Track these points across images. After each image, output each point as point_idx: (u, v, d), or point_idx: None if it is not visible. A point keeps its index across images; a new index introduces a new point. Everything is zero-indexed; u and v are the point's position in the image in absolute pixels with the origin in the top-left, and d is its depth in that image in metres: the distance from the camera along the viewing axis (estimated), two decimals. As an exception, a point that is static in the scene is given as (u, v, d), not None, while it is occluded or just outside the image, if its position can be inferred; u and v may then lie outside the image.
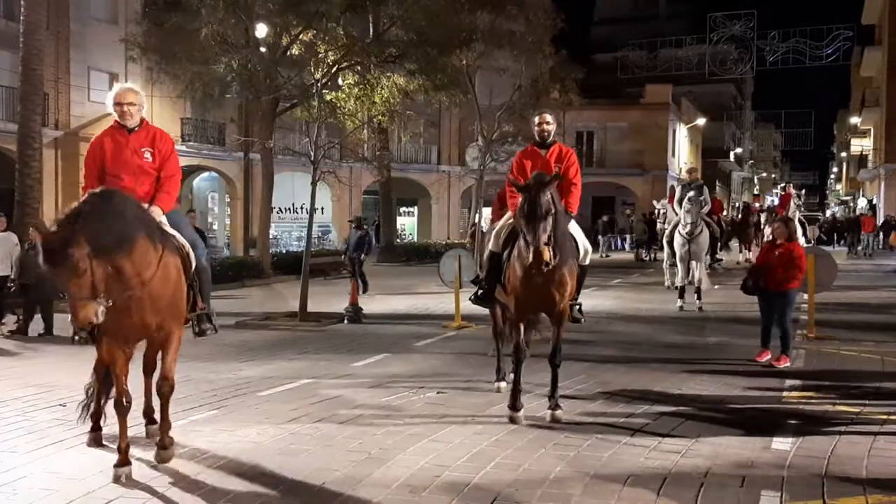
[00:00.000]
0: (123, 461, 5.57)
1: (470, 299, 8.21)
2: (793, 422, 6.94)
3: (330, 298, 16.75)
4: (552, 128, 7.54)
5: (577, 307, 7.45)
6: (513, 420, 6.97)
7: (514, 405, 7.07)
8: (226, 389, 8.42)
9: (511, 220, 7.22)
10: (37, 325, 12.84)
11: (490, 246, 7.62)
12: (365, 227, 18.77)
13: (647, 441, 6.38)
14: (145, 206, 5.85)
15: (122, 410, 5.66)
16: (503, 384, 8.21)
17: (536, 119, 7.59)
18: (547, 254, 6.37)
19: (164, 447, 5.90)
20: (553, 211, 6.50)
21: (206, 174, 34.78)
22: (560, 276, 6.84)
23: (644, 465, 5.77)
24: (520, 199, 6.62)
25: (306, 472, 5.65)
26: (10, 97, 23.15)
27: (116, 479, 5.45)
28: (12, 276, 12.86)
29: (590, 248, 7.66)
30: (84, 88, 27.89)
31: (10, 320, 13.19)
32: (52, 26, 24.39)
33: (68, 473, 5.70)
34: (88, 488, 5.35)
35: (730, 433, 6.60)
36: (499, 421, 7.02)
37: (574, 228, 7.31)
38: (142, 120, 6.18)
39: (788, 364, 9.44)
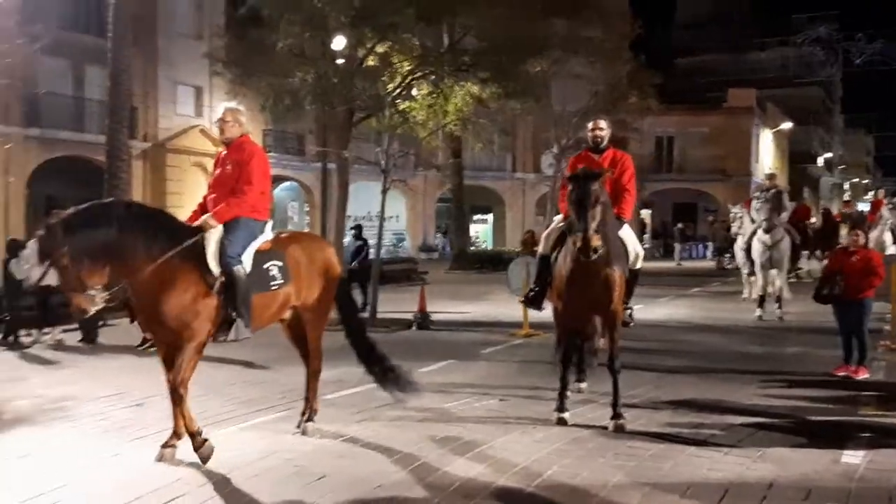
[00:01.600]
0: (168, 443, 6.12)
1: (520, 301, 8.25)
2: (866, 435, 6.68)
3: (401, 305, 16.90)
4: (605, 133, 7.63)
5: (629, 311, 7.43)
6: (559, 422, 7.02)
7: (560, 407, 7.15)
8: (293, 392, 8.56)
9: (562, 224, 7.23)
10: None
11: (540, 248, 7.70)
12: (364, 237, 18.68)
13: (712, 453, 6.23)
14: (203, 218, 6.28)
15: (174, 399, 6.05)
16: (569, 393, 8.17)
17: (590, 125, 7.70)
18: (596, 240, 6.39)
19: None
20: (602, 200, 6.54)
21: (286, 184, 35.65)
22: (608, 275, 6.82)
23: (706, 477, 5.64)
24: (569, 187, 6.67)
25: (363, 475, 5.73)
26: (100, 111, 24.22)
27: (159, 459, 6.05)
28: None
29: (641, 252, 7.66)
30: (171, 102, 29.02)
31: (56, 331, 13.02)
32: (140, 42, 25.45)
33: (141, 468, 5.94)
34: (159, 484, 5.56)
35: (799, 445, 6.40)
36: (560, 429, 6.98)
37: (626, 233, 7.33)
38: (241, 135, 6.50)
39: (867, 376, 9.07)
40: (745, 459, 6.01)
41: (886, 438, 6.59)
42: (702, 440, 6.59)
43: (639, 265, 7.56)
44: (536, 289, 7.73)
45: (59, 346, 12.70)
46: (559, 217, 7.64)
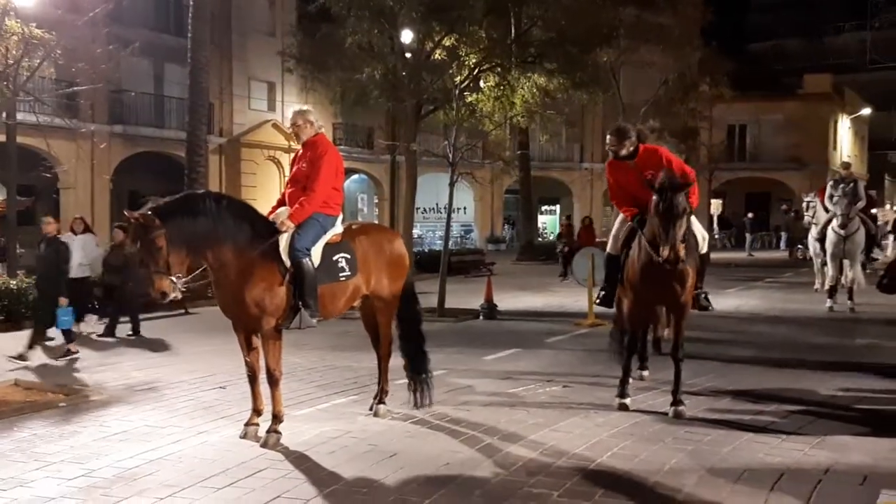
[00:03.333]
0: (250, 421, 6.66)
1: (595, 302, 8.43)
2: (931, 425, 6.69)
3: (469, 295, 17.22)
4: (619, 146, 7.38)
5: (704, 295, 7.69)
6: (620, 407, 7.27)
7: (622, 393, 7.41)
8: (365, 377, 8.99)
9: (628, 223, 7.40)
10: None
11: (609, 249, 7.90)
12: None
13: (771, 439, 6.37)
14: (279, 212, 6.74)
15: (271, 382, 6.57)
16: (646, 373, 8.46)
17: (608, 138, 7.47)
18: (682, 251, 6.69)
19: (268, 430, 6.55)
20: (689, 211, 6.75)
21: (355, 176, 36.36)
22: (682, 271, 7.03)
23: (763, 461, 5.79)
24: (654, 198, 6.81)
25: (431, 453, 6.08)
26: (179, 108, 25.23)
27: (243, 436, 6.55)
28: (94, 278, 13.02)
29: (706, 235, 7.89)
30: (245, 98, 29.94)
31: (92, 320, 13.20)
32: (217, 40, 26.36)
33: (225, 445, 6.42)
34: (242, 458, 6.02)
35: (860, 433, 6.47)
36: (621, 414, 7.20)
37: (692, 220, 7.43)
38: (315, 134, 6.90)
39: (938, 367, 8.98)
40: (803, 446, 6.13)
41: (951, 428, 6.60)
42: (761, 427, 6.72)
43: (705, 248, 7.84)
44: (607, 288, 7.90)
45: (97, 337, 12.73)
46: (622, 217, 7.75)
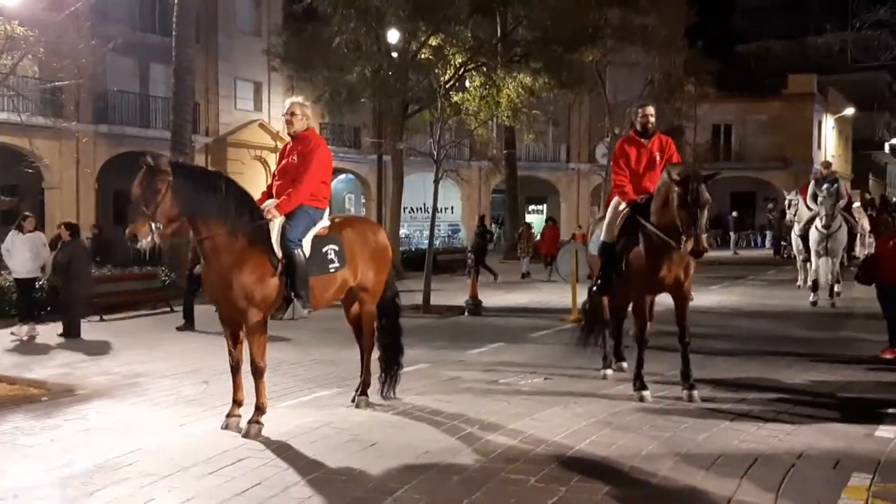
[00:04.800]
0: (231, 412, 6.66)
1: (591, 290, 8.39)
2: (904, 412, 6.80)
3: (455, 293, 17.30)
4: (655, 119, 7.91)
5: None
6: (641, 399, 7.32)
7: (642, 385, 7.45)
8: (348, 371, 9.00)
9: (626, 210, 7.48)
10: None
11: (603, 237, 7.87)
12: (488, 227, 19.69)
13: (747, 426, 6.46)
14: (267, 203, 6.76)
15: (255, 373, 6.62)
16: (609, 371, 8.51)
17: (639, 111, 7.87)
18: (706, 241, 6.79)
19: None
20: (710, 202, 6.86)
21: (342, 176, 36.32)
22: (689, 261, 7.19)
23: (738, 448, 5.87)
24: (677, 189, 6.86)
25: (412, 442, 6.13)
26: (165, 107, 25.15)
27: (225, 427, 6.56)
28: (42, 278, 12.80)
29: None
30: (231, 97, 29.89)
31: (29, 327, 12.39)
32: (202, 40, 26.31)
33: (207, 436, 6.45)
34: (224, 448, 6.05)
35: (834, 420, 6.58)
36: (600, 404, 7.27)
37: None
38: (306, 128, 6.97)
39: (914, 358, 9.11)
40: (778, 432, 6.22)
41: (924, 415, 6.71)
42: (738, 415, 6.81)
43: None
44: (603, 276, 7.93)
45: (31, 340, 12.16)
46: (616, 203, 7.80)
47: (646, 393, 7.40)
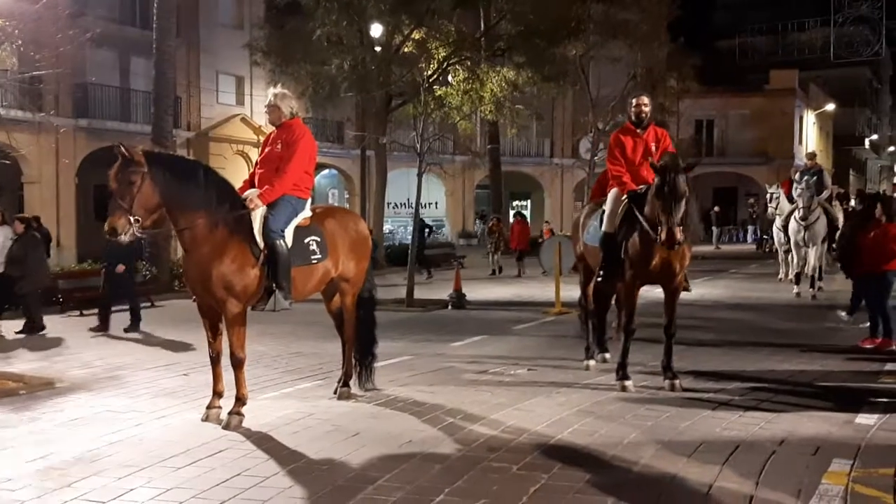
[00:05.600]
0: (211, 404, 6.61)
1: (597, 280, 8.23)
2: (883, 400, 6.84)
3: (438, 288, 17.28)
4: (649, 109, 7.87)
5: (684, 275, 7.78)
6: (623, 389, 7.33)
7: (625, 375, 7.45)
8: (331, 364, 8.96)
9: (624, 200, 7.47)
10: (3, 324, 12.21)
11: (605, 227, 7.78)
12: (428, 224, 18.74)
13: (729, 414, 6.47)
14: (249, 192, 6.68)
15: (235, 364, 6.56)
16: (592, 362, 8.53)
17: (634, 101, 7.84)
18: (680, 234, 6.78)
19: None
20: (687, 194, 6.84)
21: (325, 171, 36.17)
22: (682, 250, 7.17)
23: (719, 435, 5.89)
24: (656, 180, 6.90)
25: (394, 432, 6.10)
26: (145, 101, 24.92)
27: (205, 419, 6.51)
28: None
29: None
30: (213, 91, 29.65)
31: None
32: (183, 33, 26.08)
33: (186, 428, 6.39)
34: (204, 440, 5.99)
35: (815, 408, 6.60)
36: (583, 393, 7.28)
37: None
38: (291, 118, 6.90)
39: (893, 347, 9.17)
40: (759, 420, 6.24)
41: (903, 403, 6.75)
42: (719, 403, 6.83)
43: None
44: (606, 267, 7.78)
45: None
46: (615, 194, 7.73)
47: (628, 383, 7.41)
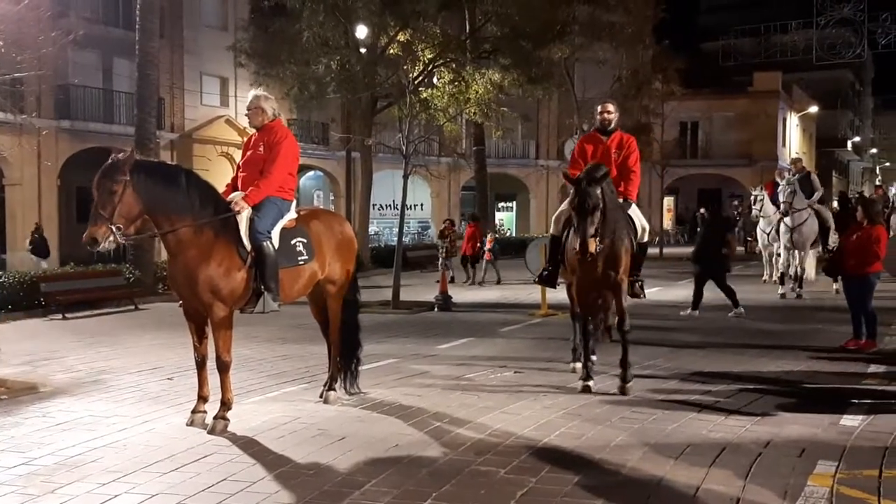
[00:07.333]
0: (196, 408, 6.56)
1: (534, 280, 8.56)
2: (868, 401, 6.88)
3: (424, 289, 17.26)
4: (613, 116, 7.98)
5: (639, 283, 7.80)
6: (584, 389, 7.36)
7: (587, 377, 7.51)
8: (316, 367, 8.94)
9: (564, 206, 7.58)
10: None
11: (552, 230, 8.07)
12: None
13: (715, 416, 6.49)
14: (233, 195, 6.65)
15: (220, 368, 6.52)
16: (579, 364, 8.47)
17: (599, 108, 7.99)
18: (593, 245, 6.82)
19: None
20: (601, 205, 6.89)
21: (311, 173, 36.10)
22: (613, 253, 7.20)
23: (706, 437, 5.90)
24: (571, 191, 7.02)
25: (380, 436, 6.07)
26: (129, 102, 24.76)
27: (190, 423, 6.45)
28: None
29: (647, 227, 8.01)
30: (197, 93, 29.52)
31: None
32: (167, 34, 25.93)
33: (171, 433, 6.33)
34: (189, 445, 5.94)
35: (801, 410, 6.63)
36: (570, 396, 7.27)
37: (633, 211, 7.69)
38: (272, 119, 6.87)
39: (877, 349, 9.24)
40: (746, 422, 6.26)
41: (888, 405, 6.80)
42: (706, 405, 6.84)
43: (646, 238, 8.00)
44: (549, 268, 8.12)
45: None
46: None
47: (589, 383, 7.44)
